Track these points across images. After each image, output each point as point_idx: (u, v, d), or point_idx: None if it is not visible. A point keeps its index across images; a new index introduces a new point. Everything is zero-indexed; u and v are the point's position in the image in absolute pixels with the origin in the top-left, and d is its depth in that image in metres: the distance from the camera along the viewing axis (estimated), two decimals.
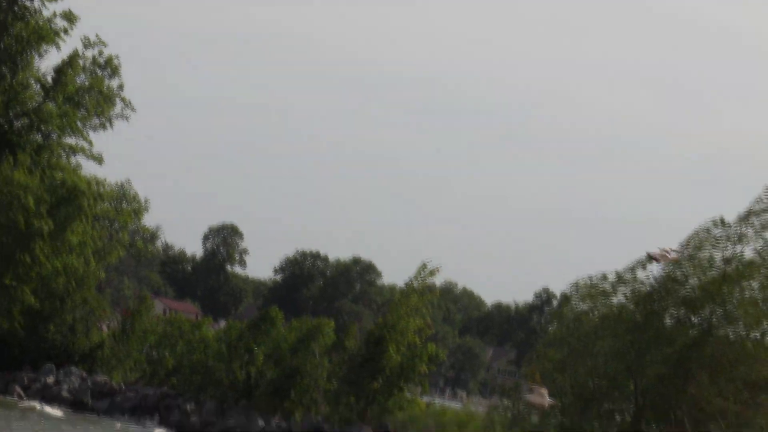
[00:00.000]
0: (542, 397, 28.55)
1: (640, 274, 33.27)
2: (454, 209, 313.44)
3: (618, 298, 33.84)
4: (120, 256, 70.68)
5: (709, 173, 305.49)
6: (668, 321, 33.17)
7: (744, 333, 32.15)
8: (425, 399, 63.74)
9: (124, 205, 68.71)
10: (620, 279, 33.64)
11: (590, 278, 34.08)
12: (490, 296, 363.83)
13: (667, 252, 29.80)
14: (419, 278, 55.69)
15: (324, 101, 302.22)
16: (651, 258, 29.49)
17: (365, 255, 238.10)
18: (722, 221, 32.23)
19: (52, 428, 52.73)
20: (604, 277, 33.77)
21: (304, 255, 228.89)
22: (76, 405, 60.57)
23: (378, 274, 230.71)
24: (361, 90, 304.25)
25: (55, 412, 57.68)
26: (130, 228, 70.32)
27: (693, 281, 32.30)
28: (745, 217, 31.99)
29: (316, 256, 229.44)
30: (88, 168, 68.37)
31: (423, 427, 51.82)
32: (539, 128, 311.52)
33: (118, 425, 55.98)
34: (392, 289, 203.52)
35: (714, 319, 31.96)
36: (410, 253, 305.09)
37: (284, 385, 57.64)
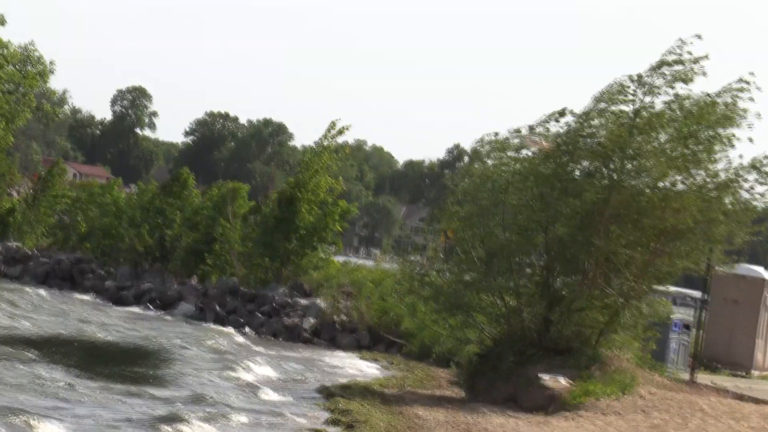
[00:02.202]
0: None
1: (553, 127, 33.17)
2: (363, 66, 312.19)
3: (529, 153, 33.81)
4: (27, 119, 69.47)
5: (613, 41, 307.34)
6: (577, 174, 33.28)
7: (652, 184, 32.39)
8: (339, 258, 64.14)
9: (29, 68, 67.20)
10: (532, 132, 33.66)
11: (499, 134, 34.01)
12: (402, 154, 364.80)
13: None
14: (329, 137, 55.46)
15: None
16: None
17: (277, 117, 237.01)
18: (638, 77, 32.09)
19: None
20: (518, 131, 33.69)
21: (213, 116, 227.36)
22: None
23: (290, 136, 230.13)
24: None
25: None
26: (36, 92, 68.96)
27: (602, 133, 32.35)
28: (657, 67, 31.91)
29: (225, 117, 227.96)
30: None
31: (338, 285, 52.15)
32: None
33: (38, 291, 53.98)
34: (305, 149, 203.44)
35: (623, 171, 32.13)
36: (321, 113, 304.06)
37: (199, 250, 57.65)
